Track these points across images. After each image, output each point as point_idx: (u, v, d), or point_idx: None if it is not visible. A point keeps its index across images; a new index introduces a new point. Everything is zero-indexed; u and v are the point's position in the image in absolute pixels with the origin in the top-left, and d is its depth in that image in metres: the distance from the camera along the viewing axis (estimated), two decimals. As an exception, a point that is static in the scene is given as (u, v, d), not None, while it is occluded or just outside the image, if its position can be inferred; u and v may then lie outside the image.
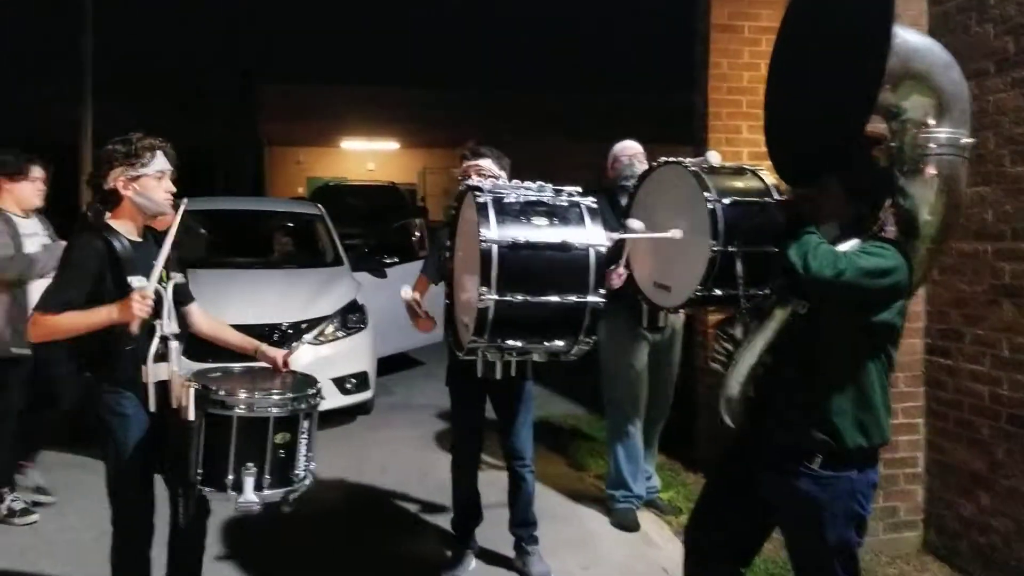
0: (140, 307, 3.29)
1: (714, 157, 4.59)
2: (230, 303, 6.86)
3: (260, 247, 8.83)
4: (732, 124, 6.25)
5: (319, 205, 9.58)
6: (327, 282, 7.77)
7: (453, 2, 30.86)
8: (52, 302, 3.38)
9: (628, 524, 5.25)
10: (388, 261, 8.55)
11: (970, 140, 2.89)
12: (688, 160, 4.49)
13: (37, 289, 4.81)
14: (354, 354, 7.07)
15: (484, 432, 4.75)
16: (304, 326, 7.01)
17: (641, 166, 5.07)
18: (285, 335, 6.79)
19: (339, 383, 6.94)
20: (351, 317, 7.26)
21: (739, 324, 3.11)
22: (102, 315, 3.34)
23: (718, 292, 3.69)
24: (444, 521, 5.09)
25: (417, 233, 9.17)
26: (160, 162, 3.54)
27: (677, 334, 5.41)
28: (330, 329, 7.14)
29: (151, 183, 3.52)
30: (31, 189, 5.25)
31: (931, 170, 2.86)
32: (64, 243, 5.01)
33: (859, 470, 2.97)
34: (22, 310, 4.98)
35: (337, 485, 6.01)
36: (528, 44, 30.53)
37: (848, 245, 2.89)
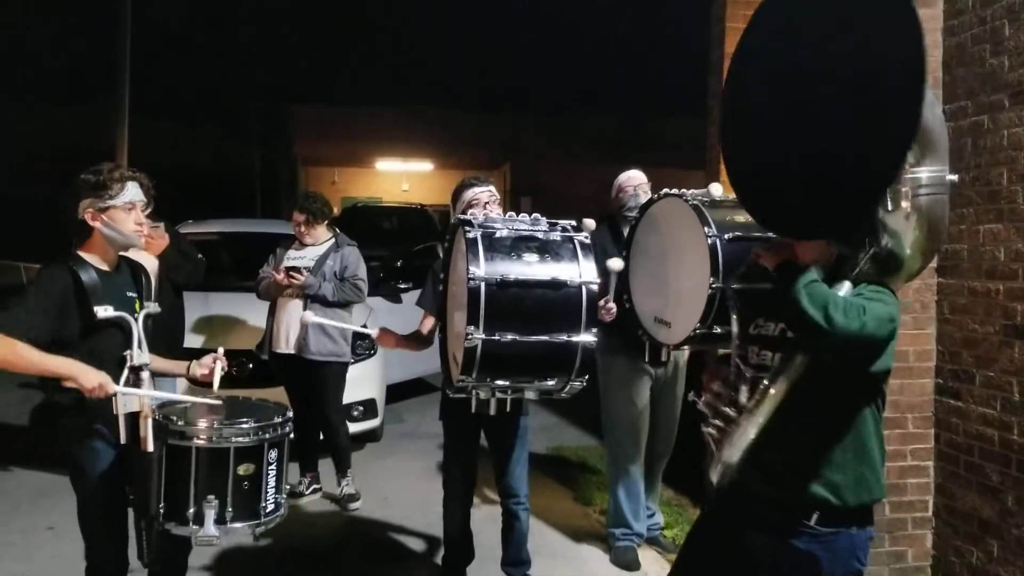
0: (97, 391, 3.20)
1: (716, 189, 4.49)
2: (229, 328, 6.84)
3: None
4: (746, 155, 6.11)
5: (336, 228, 9.53)
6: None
7: (491, 24, 30.95)
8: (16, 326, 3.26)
9: (628, 563, 5.12)
10: (403, 286, 8.50)
11: (953, 177, 2.77)
12: (689, 192, 4.39)
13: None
14: (362, 381, 6.99)
15: (479, 468, 4.64)
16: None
17: (645, 196, 4.97)
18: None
19: (346, 410, 6.88)
20: (359, 343, 7.20)
21: (742, 386, 2.90)
22: (60, 366, 3.21)
23: (718, 330, 3.60)
24: (440, 556, 4.99)
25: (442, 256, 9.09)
26: (130, 193, 3.47)
27: (680, 369, 5.28)
28: (337, 355, 7.04)
29: (120, 215, 3.45)
30: (295, 229, 6.44)
31: (914, 208, 2.72)
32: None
33: (859, 526, 2.81)
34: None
35: (336, 514, 5.95)
36: (562, 65, 30.58)
37: (844, 290, 2.71)
